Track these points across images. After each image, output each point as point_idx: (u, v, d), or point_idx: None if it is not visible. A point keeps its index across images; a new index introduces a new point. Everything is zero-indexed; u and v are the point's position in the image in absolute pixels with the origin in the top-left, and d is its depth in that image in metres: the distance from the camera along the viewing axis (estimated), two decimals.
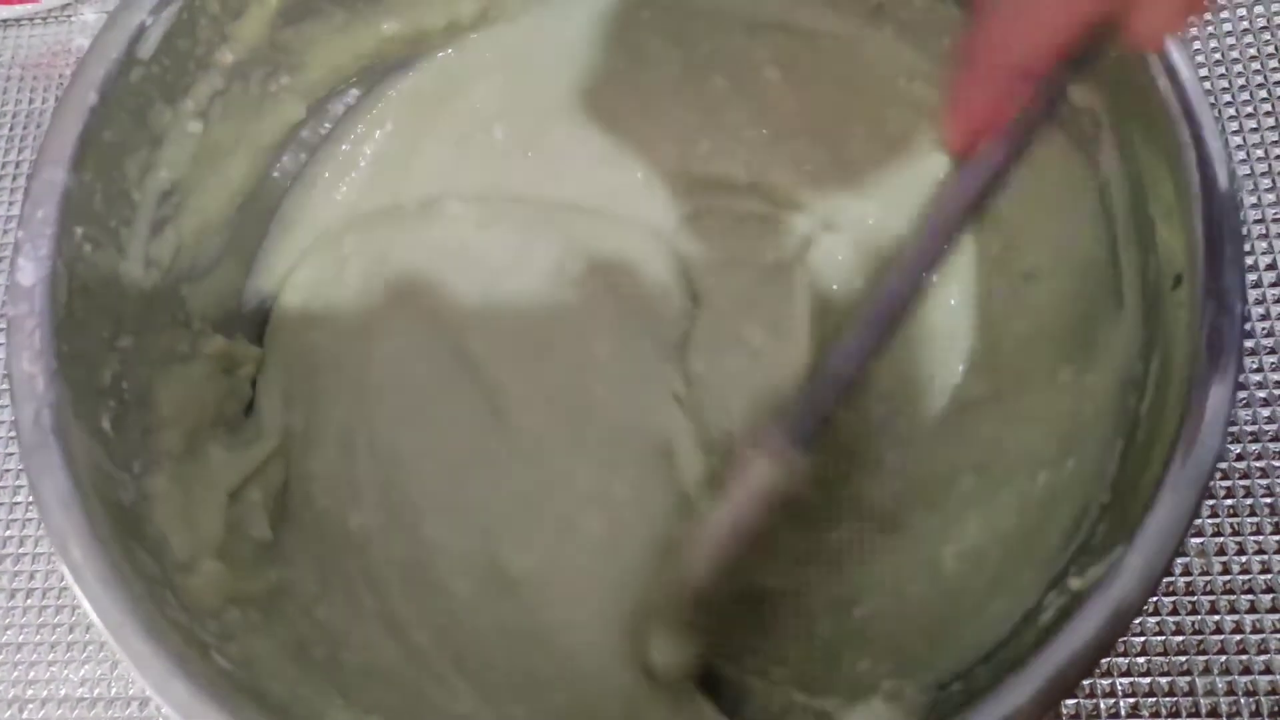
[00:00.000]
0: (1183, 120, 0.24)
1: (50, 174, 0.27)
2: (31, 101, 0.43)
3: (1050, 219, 0.30)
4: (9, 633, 0.35)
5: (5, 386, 0.38)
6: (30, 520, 0.36)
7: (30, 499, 0.36)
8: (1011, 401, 0.30)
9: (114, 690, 0.34)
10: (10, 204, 0.41)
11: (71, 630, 0.35)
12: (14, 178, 0.42)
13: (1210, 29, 0.39)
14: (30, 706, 0.34)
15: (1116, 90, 0.26)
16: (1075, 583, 0.23)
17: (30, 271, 0.26)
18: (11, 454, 0.38)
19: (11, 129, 0.42)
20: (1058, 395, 0.28)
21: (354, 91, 0.35)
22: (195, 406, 0.30)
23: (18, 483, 0.37)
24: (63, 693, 0.34)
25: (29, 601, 0.35)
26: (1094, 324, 0.27)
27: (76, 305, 0.27)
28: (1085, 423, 0.27)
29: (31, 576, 0.36)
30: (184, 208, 0.31)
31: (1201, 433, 0.23)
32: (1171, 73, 0.24)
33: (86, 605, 0.24)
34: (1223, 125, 0.37)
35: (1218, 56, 0.38)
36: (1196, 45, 0.38)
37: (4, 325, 0.26)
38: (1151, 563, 0.22)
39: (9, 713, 0.34)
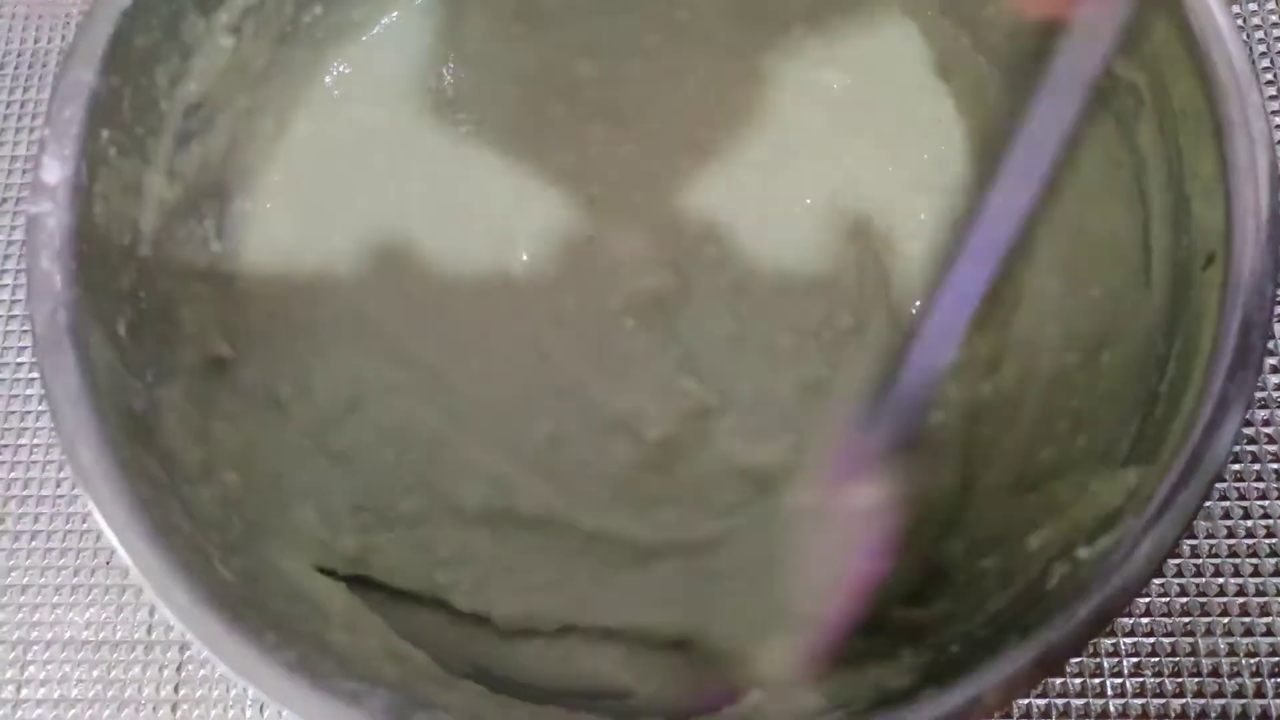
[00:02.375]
0: (1233, 98, 0.24)
1: (79, 74, 0.26)
2: (37, 41, 0.42)
3: (1082, 200, 0.29)
4: (14, 574, 0.35)
5: (18, 334, 0.37)
6: (35, 463, 0.36)
7: (35, 441, 0.36)
8: (1017, 384, 0.30)
9: (119, 634, 0.34)
10: (15, 144, 0.40)
11: (77, 573, 0.34)
12: (19, 118, 0.41)
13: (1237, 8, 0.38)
14: (35, 649, 0.34)
15: (1161, 64, 0.26)
16: (1083, 552, 0.23)
17: (55, 170, 0.26)
18: (15, 395, 0.37)
19: (17, 68, 0.41)
20: (1067, 376, 0.28)
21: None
22: (215, 326, 0.30)
23: (22, 425, 0.37)
24: (68, 635, 0.34)
25: (34, 544, 0.35)
26: (1117, 304, 0.27)
27: (98, 209, 0.26)
28: (1098, 401, 0.27)
29: (36, 519, 0.35)
30: (212, 124, 0.30)
31: (1224, 413, 0.23)
32: (1220, 48, 0.24)
33: (92, 506, 0.24)
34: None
35: (1239, 22, 0.38)
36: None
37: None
38: (1161, 538, 0.22)
39: (14, 654, 0.33)
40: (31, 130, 0.40)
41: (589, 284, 0.32)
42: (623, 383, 0.31)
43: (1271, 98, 0.37)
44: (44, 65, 0.41)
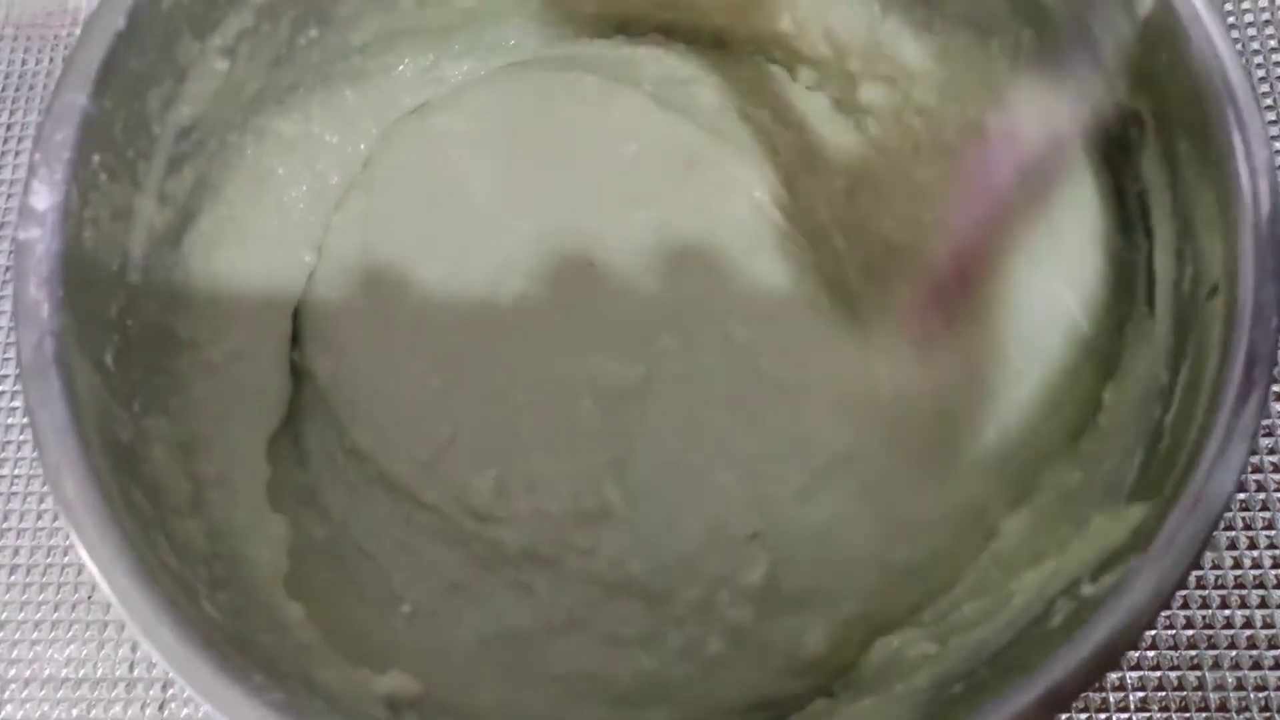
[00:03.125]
0: (1234, 127, 0.23)
1: (71, 97, 0.26)
2: (25, 63, 0.41)
3: (1085, 230, 0.29)
4: None
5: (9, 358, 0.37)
6: (15, 494, 0.35)
7: (16, 472, 0.35)
8: (1018, 423, 0.29)
9: (100, 671, 0.33)
10: (10, 167, 0.40)
11: (57, 608, 0.34)
12: (3, 140, 0.40)
13: (1231, 19, 0.38)
14: (13, 686, 0.33)
15: (1164, 92, 0.26)
16: (1087, 589, 0.23)
17: (45, 195, 0.25)
18: None
19: (4, 90, 0.41)
20: (1068, 412, 0.28)
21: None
22: None
23: (2, 455, 0.36)
24: (47, 672, 0.33)
25: (13, 578, 0.34)
26: (1120, 335, 0.27)
27: (87, 234, 0.26)
28: (1101, 435, 0.26)
29: (16, 552, 0.34)
30: (204, 148, 0.30)
31: (1229, 447, 0.22)
32: (1223, 77, 0.24)
33: (76, 540, 0.23)
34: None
35: (1238, 48, 0.38)
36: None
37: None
38: (1166, 574, 0.22)
39: None
40: (18, 154, 0.40)
41: (568, 345, 0.32)
42: (559, 459, 0.30)
43: (1271, 122, 0.37)
44: (31, 88, 0.41)
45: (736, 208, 0.33)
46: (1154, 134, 0.26)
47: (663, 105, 0.34)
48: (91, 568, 0.23)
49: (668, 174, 0.33)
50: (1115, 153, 0.28)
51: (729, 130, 0.34)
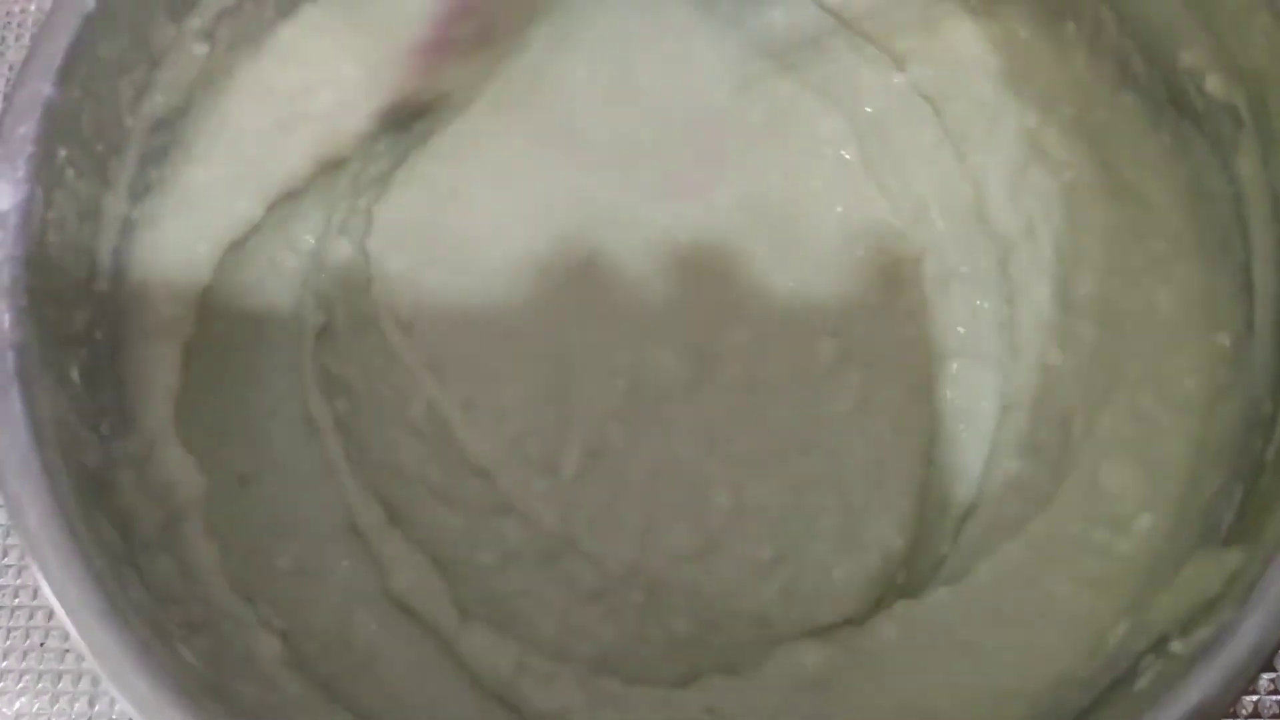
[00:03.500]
0: None
1: (35, 86, 0.24)
2: None
3: (1169, 237, 0.26)
4: None
5: None
6: None
7: None
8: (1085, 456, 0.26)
9: None
10: None
11: (5, 657, 0.31)
12: None
13: None
14: None
15: (1265, 83, 0.23)
16: (1177, 646, 0.20)
17: (6, 195, 0.23)
18: None
19: None
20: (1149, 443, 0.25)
21: None
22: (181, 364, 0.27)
23: None
24: None
25: None
26: (1212, 358, 0.24)
27: (52, 238, 0.24)
28: (1191, 470, 0.23)
29: None
30: (179, 142, 0.28)
31: None
32: None
33: (40, 580, 0.21)
34: None
35: None
36: None
37: None
38: (1269, 627, 0.19)
39: None
40: None
41: (602, 329, 0.30)
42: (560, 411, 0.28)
43: None
44: None
45: (822, 174, 0.31)
46: (1252, 130, 0.23)
47: (735, 25, 0.31)
48: (58, 608, 0.21)
49: (746, 135, 0.31)
50: (1206, 151, 0.25)
51: (804, 66, 0.31)
